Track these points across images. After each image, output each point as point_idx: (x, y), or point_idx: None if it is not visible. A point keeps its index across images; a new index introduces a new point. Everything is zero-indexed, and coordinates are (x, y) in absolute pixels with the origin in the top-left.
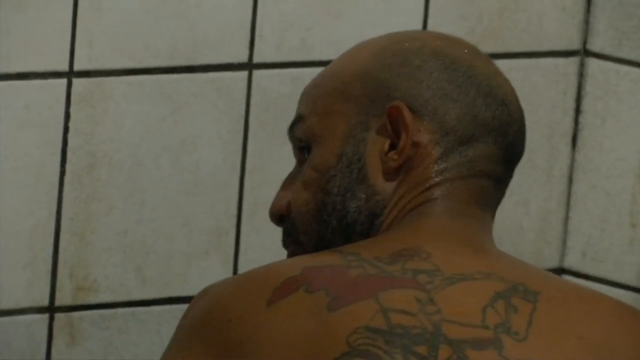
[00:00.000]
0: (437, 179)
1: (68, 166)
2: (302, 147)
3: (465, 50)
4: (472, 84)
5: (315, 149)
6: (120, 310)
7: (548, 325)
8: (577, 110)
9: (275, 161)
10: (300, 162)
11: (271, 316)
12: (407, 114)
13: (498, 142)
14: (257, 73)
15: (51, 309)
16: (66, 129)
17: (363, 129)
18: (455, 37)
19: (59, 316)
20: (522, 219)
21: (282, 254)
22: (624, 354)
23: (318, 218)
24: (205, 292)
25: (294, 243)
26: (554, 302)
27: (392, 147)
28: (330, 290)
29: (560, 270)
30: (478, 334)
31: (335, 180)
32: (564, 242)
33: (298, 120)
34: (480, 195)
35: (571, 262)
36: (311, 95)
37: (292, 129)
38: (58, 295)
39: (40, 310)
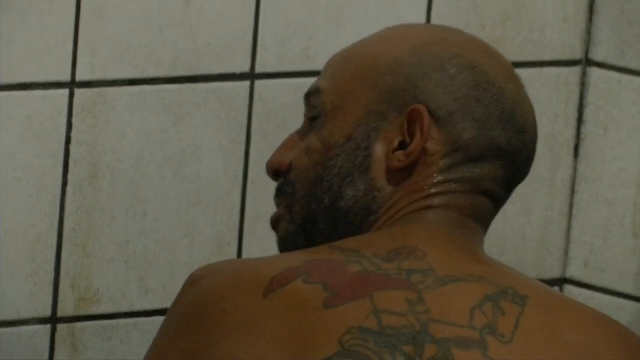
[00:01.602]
0: (438, 189)
1: (70, 176)
2: (314, 115)
3: (501, 69)
4: (497, 107)
5: (326, 122)
6: (122, 321)
7: (534, 329)
8: (579, 120)
9: None
10: (308, 126)
11: (267, 305)
12: (427, 120)
13: (506, 167)
14: (259, 83)
15: (53, 320)
16: (68, 139)
17: (379, 119)
18: (494, 50)
19: (61, 327)
20: (525, 228)
21: None
22: None
23: (312, 191)
24: (197, 277)
25: (286, 208)
26: (541, 308)
27: (401, 146)
28: (327, 285)
29: (563, 280)
30: (464, 333)
31: (338, 160)
32: (566, 252)
33: (316, 91)
34: (480, 211)
35: (573, 271)
36: (337, 69)
37: (308, 95)
38: (60, 305)
39: (42, 320)
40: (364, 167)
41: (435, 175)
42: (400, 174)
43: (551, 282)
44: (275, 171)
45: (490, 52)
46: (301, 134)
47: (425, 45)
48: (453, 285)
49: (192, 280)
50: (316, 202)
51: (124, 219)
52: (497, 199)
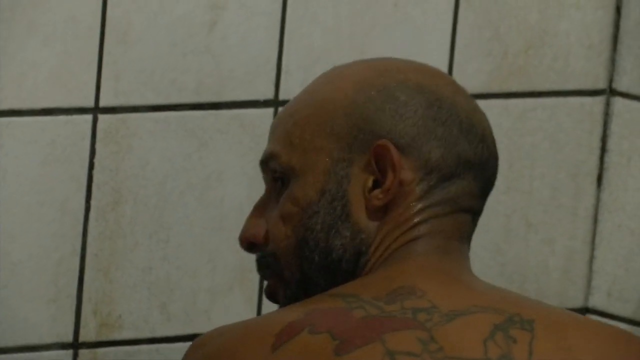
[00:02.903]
0: (421, 217)
1: (93, 202)
2: (277, 177)
3: (447, 85)
4: (454, 122)
5: (294, 183)
6: (144, 347)
7: (548, 353)
8: (603, 149)
9: None
10: (273, 190)
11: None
12: (394, 154)
13: (477, 178)
14: None
15: (75, 345)
16: (91, 165)
17: (346, 165)
18: (435, 69)
19: (83, 352)
20: (548, 258)
21: None
22: None
23: (300, 254)
24: (203, 341)
25: (276, 277)
26: (550, 330)
27: (375, 184)
28: (335, 333)
29: (585, 310)
30: None
31: (318, 217)
32: (589, 282)
33: (272, 156)
34: (462, 230)
35: (596, 301)
36: (286, 127)
37: (265, 162)
38: (82, 331)
39: (64, 346)
40: (345, 215)
41: (414, 204)
42: (381, 211)
43: (574, 312)
44: (249, 243)
45: (431, 71)
46: (267, 200)
47: (368, 80)
48: (460, 320)
49: (199, 344)
50: (307, 263)
51: (147, 244)
52: (475, 213)
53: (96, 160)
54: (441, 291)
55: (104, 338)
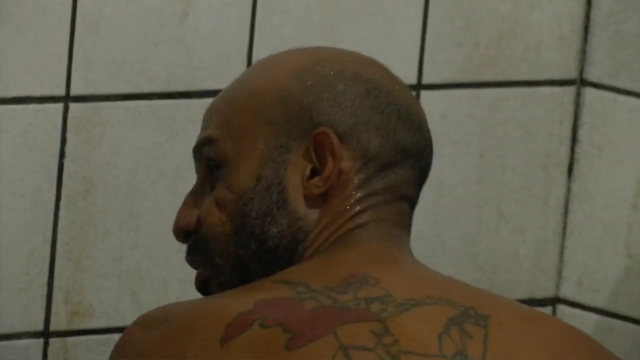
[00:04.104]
0: (361, 206)
1: (64, 191)
2: (211, 165)
3: (384, 74)
4: (392, 110)
5: (228, 170)
6: (115, 336)
7: (502, 351)
8: (574, 140)
9: None
10: (206, 179)
11: (226, 355)
12: (335, 141)
13: (415, 167)
14: None
15: (46, 334)
16: (62, 154)
17: (284, 152)
18: (370, 58)
19: (53, 341)
20: (518, 248)
21: None
22: None
23: (236, 240)
24: (146, 324)
25: (207, 264)
26: (504, 326)
27: (313, 172)
28: (286, 326)
29: (556, 300)
30: None
31: (254, 204)
32: (560, 272)
33: (208, 141)
34: (403, 218)
35: (566, 291)
36: (222, 113)
37: (199, 148)
38: (53, 320)
39: (35, 335)
40: (282, 202)
41: (354, 192)
42: (320, 199)
43: (544, 301)
44: (184, 232)
45: (368, 60)
46: (198, 191)
47: (305, 68)
48: (415, 311)
49: (141, 325)
50: (244, 250)
51: (118, 233)
52: (412, 201)
53: (67, 149)
54: (394, 279)
55: (74, 327)
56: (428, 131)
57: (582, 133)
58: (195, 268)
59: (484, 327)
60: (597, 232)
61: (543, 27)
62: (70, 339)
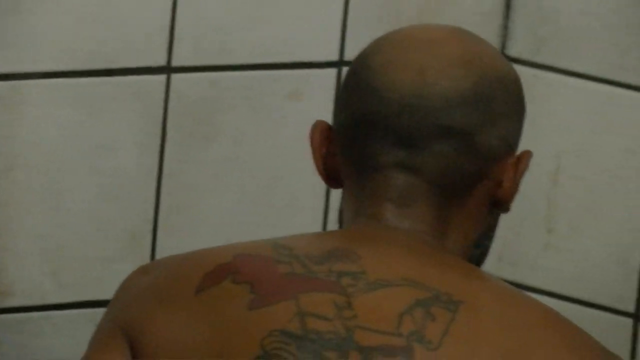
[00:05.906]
0: (348, 182)
1: None
2: None
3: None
4: (353, 84)
5: None
6: (35, 314)
7: (465, 336)
8: None
9: (193, 165)
10: None
11: (197, 303)
12: (325, 129)
13: (388, 132)
14: (175, 77)
15: None
16: None
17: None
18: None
19: None
20: None
21: None
22: None
23: None
24: (147, 269)
25: None
26: (475, 312)
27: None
28: (254, 286)
29: None
30: (389, 341)
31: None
32: None
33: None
34: (398, 190)
35: (487, 265)
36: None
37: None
38: None
39: None
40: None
41: (342, 171)
42: (332, 182)
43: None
44: None
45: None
46: None
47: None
48: (384, 290)
49: (142, 271)
50: None
51: (39, 212)
52: (412, 167)
53: None
54: (376, 259)
55: None
56: (401, 95)
57: None
58: None
59: (452, 312)
60: (517, 207)
61: (465, 2)
62: None
